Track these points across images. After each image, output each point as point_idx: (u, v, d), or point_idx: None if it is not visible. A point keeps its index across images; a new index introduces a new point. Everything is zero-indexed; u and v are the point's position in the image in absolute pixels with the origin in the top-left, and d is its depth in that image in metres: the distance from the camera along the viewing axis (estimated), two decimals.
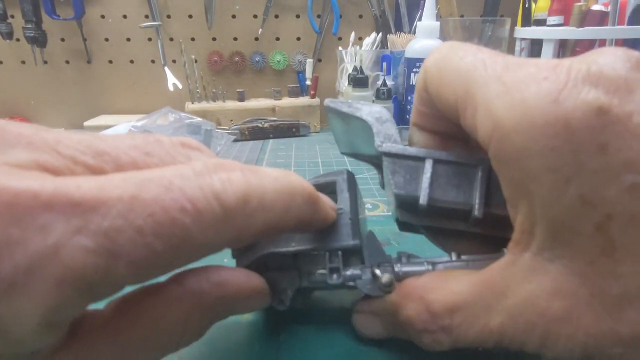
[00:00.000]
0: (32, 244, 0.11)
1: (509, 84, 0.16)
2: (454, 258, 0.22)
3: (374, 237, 0.24)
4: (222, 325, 0.25)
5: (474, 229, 0.22)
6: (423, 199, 0.21)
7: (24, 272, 0.11)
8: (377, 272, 0.21)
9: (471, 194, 0.21)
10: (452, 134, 0.23)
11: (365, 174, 0.56)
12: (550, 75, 0.16)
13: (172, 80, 0.88)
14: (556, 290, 0.16)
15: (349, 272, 0.22)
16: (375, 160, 0.24)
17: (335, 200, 0.23)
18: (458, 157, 0.22)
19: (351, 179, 0.24)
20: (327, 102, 0.24)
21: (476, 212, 0.21)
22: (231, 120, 0.81)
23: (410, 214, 0.23)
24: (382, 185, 0.25)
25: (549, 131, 0.15)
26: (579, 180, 0.15)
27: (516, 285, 0.17)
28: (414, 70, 0.68)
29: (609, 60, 0.16)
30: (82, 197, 0.12)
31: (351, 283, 0.22)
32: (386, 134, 0.23)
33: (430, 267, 0.22)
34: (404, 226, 0.24)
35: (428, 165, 0.22)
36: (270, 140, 0.77)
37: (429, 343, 0.20)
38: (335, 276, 0.22)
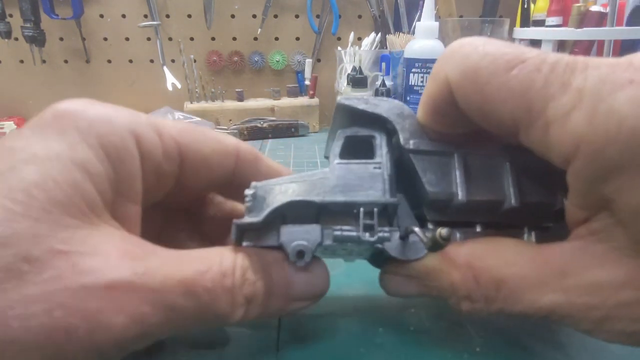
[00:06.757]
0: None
1: (584, 93, 0.15)
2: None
3: (405, 201, 0.23)
4: (222, 325, 0.25)
5: (499, 219, 0.22)
6: (462, 196, 0.21)
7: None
8: (417, 230, 0.19)
9: (501, 184, 0.21)
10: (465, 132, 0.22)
11: None
12: (634, 76, 0.15)
13: (171, 80, 0.87)
14: (630, 280, 0.16)
15: (382, 233, 0.20)
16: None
17: (372, 154, 0.22)
18: (482, 149, 0.21)
19: (389, 137, 0.23)
20: (341, 99, 0.23)
21: (513, 201, 0.21)
22: (230, 120, 0.81)
23: (439, 212, 0.22)
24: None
25: None
26: None
27: (582, 269, 0.17)
28: (413, 70, 0.68)
29: None
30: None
31: (379, 245, 0.21)
32: (410, 130, 0.22)
33: (464, 235, 0.21)
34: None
35: (458, 159, 0.21)
36: (269, 140, 0.77)
37: (467, 310, 0.19)
38: (368, 234, 0.20)
